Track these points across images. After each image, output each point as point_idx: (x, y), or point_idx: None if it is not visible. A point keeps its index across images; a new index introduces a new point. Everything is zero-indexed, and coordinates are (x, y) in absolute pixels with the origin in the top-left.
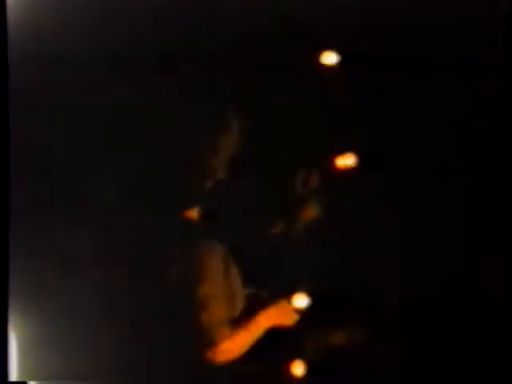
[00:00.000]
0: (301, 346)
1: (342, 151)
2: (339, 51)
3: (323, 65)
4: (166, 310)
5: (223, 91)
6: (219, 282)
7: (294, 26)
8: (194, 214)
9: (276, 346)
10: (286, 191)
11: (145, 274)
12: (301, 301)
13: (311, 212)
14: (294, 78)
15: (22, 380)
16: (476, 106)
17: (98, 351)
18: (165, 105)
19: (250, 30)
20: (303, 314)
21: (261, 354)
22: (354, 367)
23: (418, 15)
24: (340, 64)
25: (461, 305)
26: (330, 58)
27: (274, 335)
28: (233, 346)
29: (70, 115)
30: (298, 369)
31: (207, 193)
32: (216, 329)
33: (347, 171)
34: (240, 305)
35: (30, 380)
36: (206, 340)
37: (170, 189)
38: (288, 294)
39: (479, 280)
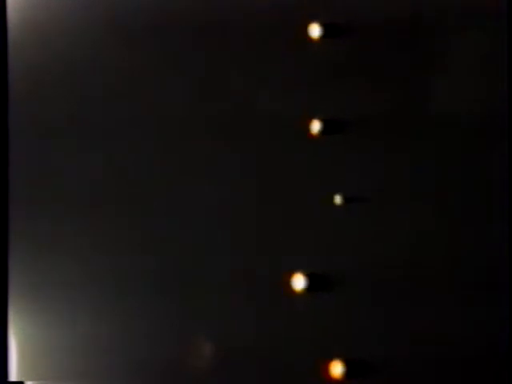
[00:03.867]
0: None
1: None
2: None
3: None
4: (166, 310)
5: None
6: None
7: None
8: None
9: None
10: None
11: (145, 274)
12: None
13: None
14: None
15: (21, 380)
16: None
17: (97, 351)
18: (166, 104)
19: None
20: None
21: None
22: None
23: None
24: None
25: None
26: None
27: None
28: None
29: (71, 112)
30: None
31: None
32: None
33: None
34: None
35: (30, 380)
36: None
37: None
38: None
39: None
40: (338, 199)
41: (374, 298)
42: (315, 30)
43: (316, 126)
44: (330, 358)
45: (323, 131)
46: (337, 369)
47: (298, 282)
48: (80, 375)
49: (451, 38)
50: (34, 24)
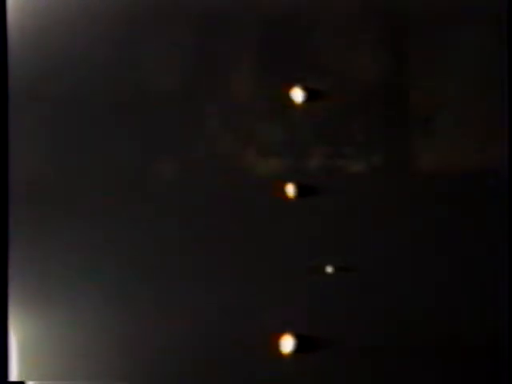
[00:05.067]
0: None
1: None
2: None
3: None
4: (166, 310)
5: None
6: None
7: None
8: None
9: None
10: None
11: (144, 275)
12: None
13: None
14: None
15: (21, 380)
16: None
17: (97, 351)
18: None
19: None
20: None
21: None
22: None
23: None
24: None
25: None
26: None
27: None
28: None
29: (71, 116)
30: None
31: None
32: None
33: None
34: None
35: (30, 380)
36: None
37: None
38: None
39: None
40: (328, 269)
41: (361, 362)
42: (298, 95)
43: (291, 189)
44: None
45: (302, 195)
46: None
47: (287, 343)
48: (80, 375)
49: (436, 102)
50: (35, 25)
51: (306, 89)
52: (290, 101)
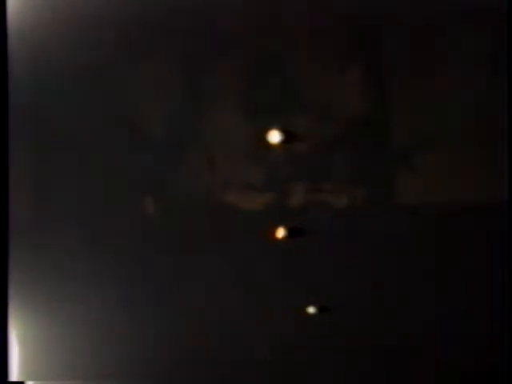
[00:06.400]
0: None
1: None
2: None
3: None
4: (166, 310)
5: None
6: None
7: None
8: None
9: None
10: None
11: (144, 276)
12: None
13: None
14: None
15: (21, 380)
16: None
17: (97, 351)
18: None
19: None
20: None
21: None
22: None
23: None
24: None
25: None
26: None
27: None
28: None
29: (71, 115)
30: None
31: None
32: None
33: None
34: None
35: (30, 380)
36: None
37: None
38: None
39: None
40: (311, 309)
41: None
42: (275, 136)
43: (278, 231)
44: None
45: (286, 234)
46: None
47: None
48: (80, 375)
49: (419, 136)
50: (35, 26)
51: (287, 128)
52: (272, 140)
